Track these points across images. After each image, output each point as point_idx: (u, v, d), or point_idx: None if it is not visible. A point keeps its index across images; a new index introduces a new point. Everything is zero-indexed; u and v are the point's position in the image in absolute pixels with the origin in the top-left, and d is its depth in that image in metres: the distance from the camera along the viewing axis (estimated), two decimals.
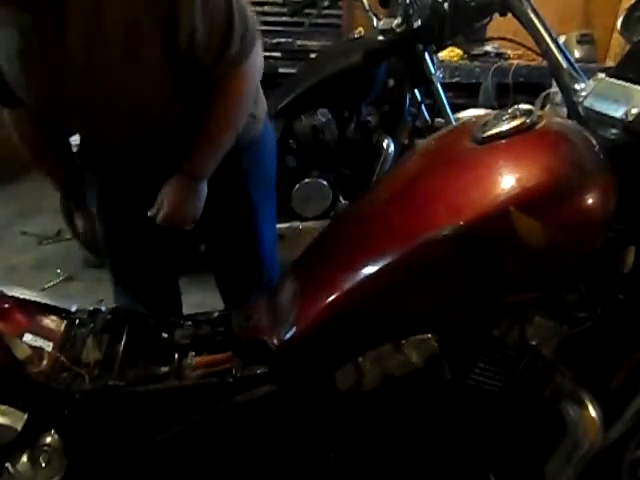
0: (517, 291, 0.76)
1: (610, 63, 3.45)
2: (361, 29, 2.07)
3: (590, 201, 0.70)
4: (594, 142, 0.75)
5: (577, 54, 3.14)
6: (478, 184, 0.73)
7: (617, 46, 3.49)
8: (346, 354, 0.81)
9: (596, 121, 0.78)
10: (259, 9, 2.75)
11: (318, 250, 0.91)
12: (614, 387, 0.84)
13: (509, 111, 0.77)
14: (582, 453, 0.80)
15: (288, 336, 0.81)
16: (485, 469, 0.92)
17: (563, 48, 0.90)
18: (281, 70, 2.54)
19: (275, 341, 0.82)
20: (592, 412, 0.78)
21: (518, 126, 0.74)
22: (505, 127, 0.74)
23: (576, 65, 0.88)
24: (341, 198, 2.06)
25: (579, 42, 3.21)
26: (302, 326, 0.80)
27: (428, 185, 0.79)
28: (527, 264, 0.71)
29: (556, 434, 0.81)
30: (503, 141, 0.74)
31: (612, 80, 0.80)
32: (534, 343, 0.80)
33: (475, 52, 2.96)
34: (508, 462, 0.91)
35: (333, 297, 0.78)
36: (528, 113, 0.75)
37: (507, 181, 0.70)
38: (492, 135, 0.75)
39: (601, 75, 0.82)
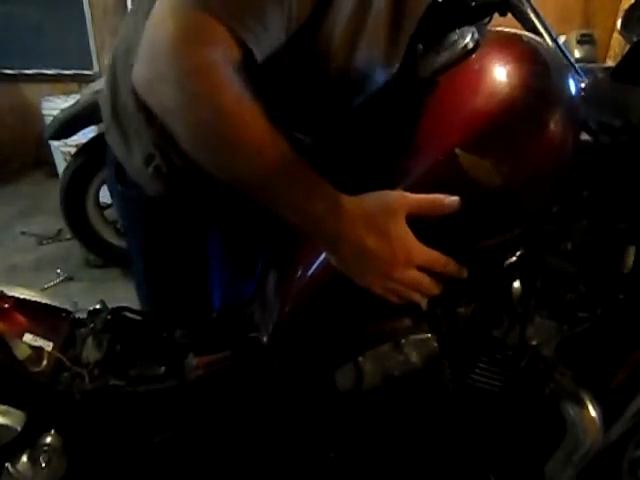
0: (491, 234, 0.72)
1: (610, 63, 3.46)
2: None
3: (546, 126, 0.65)
4: (552, 57, 0.70)
5: (577, 54, 3.15)
6: (420, 131, 0.68)
7: (617, 46, 3.50)
8: (332, 339, 0.80)
9: (596, 121, 0.78)
10: None
11: (295, 238, 0.90)
12: (614, 387, 0.84)
13: (450, 38, 0.71)
14: (582, 453, 0.80)
15: (276, 329, 0.81)
16: (485, 469, 0.91)
17: (563, 48, 0.90)
18: None
19: (265, 336, 0.82)
20: (592, 412, 0.78)
21: (457, 54, 0.68)
22: (443, 58, 0.69)
23: (576, 65, 0.88)
24: None
25: (579, 42, 3.22)
26: (285, 315, 0.80)
27: (378, 143, 0.76)
28: (488, 204, 0.68)
29: (556, 434, 0.81)
30: (444, 75, 0.69)
31: (612, 80, 0.80)
32: (534, 343, 0.80)
33: None
34: (508, 462, 0.91)
35: (307, 283, 0.77)
36: (469, 36, 0.69)
37: (449, 121, 0.66)
38: (432, 71, 0.70)
39: (601, 75, 0.82)
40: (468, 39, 0.69)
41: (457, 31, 0.70)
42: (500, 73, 0.67)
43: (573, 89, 0.70)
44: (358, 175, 0.72)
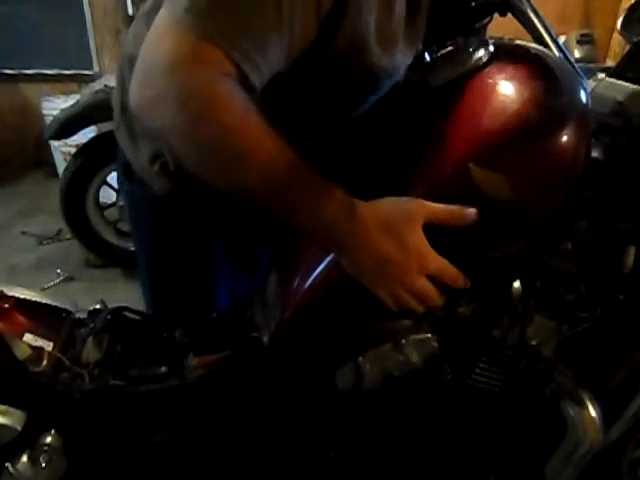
0: (501, 246, 0.73)
1: (610, 63, 3.46)
2: None
3: (558, 140, 0.66)
4: (564, 70, 0.71)
5: (577, 54, 3.15)
6: (432, 142, 0.69)
7: (617, 46, 3.50)
8: (333, 340, 0.80)
9: (596, 121, 0.78)
10: None
11: (299, 240, 0.90)
12: (614, 387, 0.84)
13: (465, 50, 0.71)
14: (582, 453, 0.80)
15: (277, 329, 0.80)
16: (485, 469, 0.92)
17: (563, 48, 0.90)
18: None
19: (266, 336, 0.82)
20: (592, 412, 0.78)
21: (471, 66, 0.69)
22: (456, 70, 0.69)
23: (576, 65, 0.88)
24: None
25: (579, 42, 3.23)
26: (287, 316, 0.79)
27: (388, 152, 0.76)
28: (500, 217, 0.68)
29: (556, 434, 0.81)
30: (456, 87, 0.69)
31: (612, 80, 0.80)
32: (534, 343, 0.80)
33: None
34: (508, 462, 0.91)
35: (310, 285, 0.76)
36: (483, 48, 0.69)
37: (461, 134, 0.66)
38: (445, 82, 0.70)
39: (601, 75, 0.82)
40: (482, 52, 0.69)
41: (472, 42, 0.71)
42: (512, 87, 0.67)
43: (584, 101, 0.70)
44: (367, 183, 0.72)
